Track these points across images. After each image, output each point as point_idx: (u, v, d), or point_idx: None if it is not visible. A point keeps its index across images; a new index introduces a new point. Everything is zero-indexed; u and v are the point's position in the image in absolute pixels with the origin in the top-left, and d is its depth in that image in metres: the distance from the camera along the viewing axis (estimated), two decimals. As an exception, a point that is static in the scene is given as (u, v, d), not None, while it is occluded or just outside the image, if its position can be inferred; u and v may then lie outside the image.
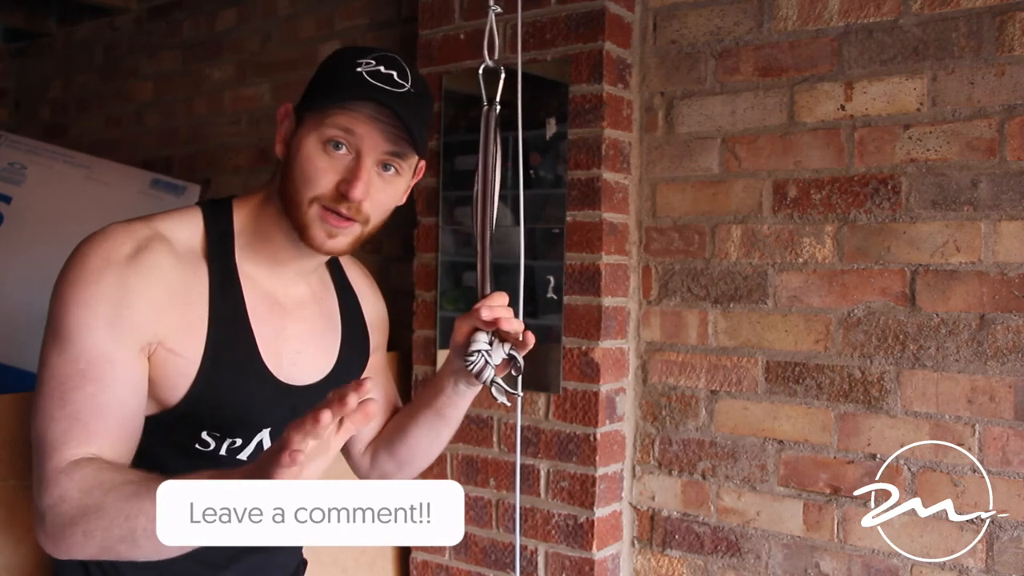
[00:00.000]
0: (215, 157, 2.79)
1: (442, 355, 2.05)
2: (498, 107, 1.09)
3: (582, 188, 1.87)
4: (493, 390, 1.13)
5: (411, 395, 2.11)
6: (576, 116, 1.88)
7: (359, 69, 1.06)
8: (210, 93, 2.86)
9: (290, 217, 1.09)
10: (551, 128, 1.90)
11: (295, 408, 1.13)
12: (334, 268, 1.30)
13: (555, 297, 1.90)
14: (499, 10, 1.11)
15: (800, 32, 1.77)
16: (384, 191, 1.09)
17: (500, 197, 1.13)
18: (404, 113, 1.05)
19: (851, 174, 1.72)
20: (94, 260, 1.02)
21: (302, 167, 1.06)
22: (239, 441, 1.14)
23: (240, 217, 1.14)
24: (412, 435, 1.27)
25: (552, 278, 1.90)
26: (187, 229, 1.11)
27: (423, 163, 1.18)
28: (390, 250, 2.41)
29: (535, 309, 1.92)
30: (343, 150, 1.06)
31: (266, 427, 1.16)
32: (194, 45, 2.92)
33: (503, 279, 1.92)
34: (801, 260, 1.77)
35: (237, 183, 2.70)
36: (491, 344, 1.12)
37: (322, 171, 1.05)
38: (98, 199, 2.41)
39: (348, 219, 1.07)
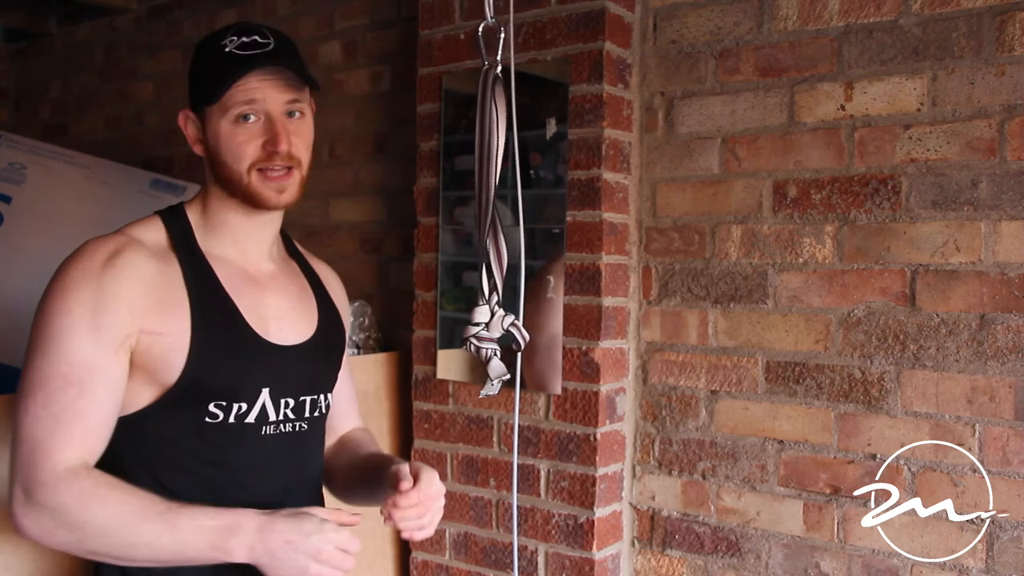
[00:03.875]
0: (215, 157, 2.78)
1: (442, 355, 2.05)
2: (498, 66, 1.11)
3: (582, 188, 1.87)
4: (491, 374, 1.15)
5: (411, 395, 2.12)
6: (576, 116, 1.88)
7: (227, 50, 1.18)
8: (210, 93, 2.85)
9: (237, 195, 1.21)
10: (551, 128, 1.90)
11: (288, 366, 1.24)
12: (298, 259, 1.40)
13: (553, 296, 1.90)
14: None
15: (800, 32, 1.77)
16: (300, 132, 1.22)
17: (499, 196, 1.13)
18: (284, 64, 1.18)
19: (851, 174, 1.72)
20: (72, 272, 1.14)
21: (227, 148, 1.19)
22: (244, 406, 1.20)
23: (193, 214, 1.26)
24: (346, 490, 1.41)
25: (552, 277, 1.90)
26: (152, 231, 1.22)
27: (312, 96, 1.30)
28: (390, 250, 2.41)
29: (535, 308, 1.92)
30: (252, 119, 1.18)
31: (265, 387, 1.22)
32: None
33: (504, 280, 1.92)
34: (801, 260, 1.77)
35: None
36: (488, 324, 1.14)
37: (244, 142, 1.18)
38: (98, 199, 2.41)
39: (287, 169, 1.20)
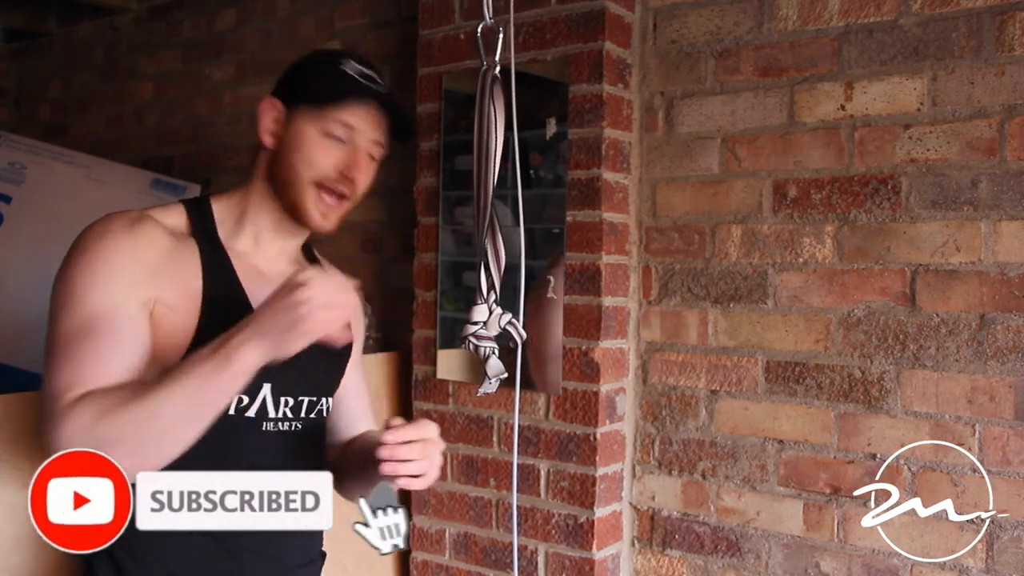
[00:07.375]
0: (215, 157, 2.79)
1: (442, 355, 2.05)
2: (497, 67, 1.12)
3: (582, 188, 1.87)
4: (489, 372, 1.14)
5: (411, 395, 2.12)
6: (576, 116, 1.88)
7: (344, 69, 1.23)
8: (210, 93, 2.86)
9: (284, 198, 1.23)
10: (551, 128, 1.90)
11: (290, 365, 1.15)
12: (313, 264, 1.38)
13: (554, 297, 1.90)
14: None
15: (800, 32, 1.77)
16: (368, 173, 1.26)
17: (500, 196, 1.13)
18: (392, 110, 1.25)
19: (851, 174, 1.72)
20: (91, 237, 1.14)
21: (305, 152, 1.21)
22: (245, 399, 1.18)
23: (219, 207, 1.26)
24: (345, 483, 1.29)
25: (552, 277, 1.90)
26: (173, 216, 1.23)
27: None
28: (390, 250, 2.41)
29: (535, 308, 1.92)
30: (341, 140, 1.22)
31: (266, 383, 1.20)
32: (194, 45, 2.92)
33: (502, 279, 1.92)
34: (801, 260, 1.77)
35: (237, 182, 2.69)
36: (487, 322, 1.13)
37: (324, 156, 1.21)
38: (98, 199, 2.41)
39: (342, 198, 1.22)
